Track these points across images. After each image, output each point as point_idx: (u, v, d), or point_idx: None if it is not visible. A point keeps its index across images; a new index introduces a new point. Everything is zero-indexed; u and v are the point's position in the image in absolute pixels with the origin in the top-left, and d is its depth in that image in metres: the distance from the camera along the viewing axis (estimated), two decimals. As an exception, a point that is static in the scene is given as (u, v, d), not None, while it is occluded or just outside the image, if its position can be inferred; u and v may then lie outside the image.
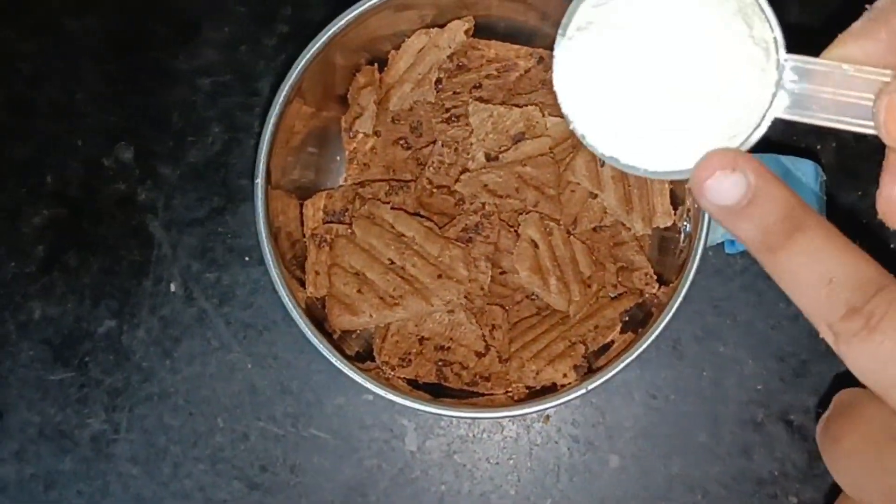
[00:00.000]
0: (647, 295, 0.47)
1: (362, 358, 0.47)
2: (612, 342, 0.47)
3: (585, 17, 0.28)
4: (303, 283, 0.47)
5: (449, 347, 0.47)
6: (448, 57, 0.48)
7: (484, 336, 0.47)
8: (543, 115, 0.47)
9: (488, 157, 0.47)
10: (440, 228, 0.46)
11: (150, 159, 0.54)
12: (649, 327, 0.43)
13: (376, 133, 0.49)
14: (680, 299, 0.42)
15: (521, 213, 0.47)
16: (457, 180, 0.47)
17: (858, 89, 0.26)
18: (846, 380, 0.30)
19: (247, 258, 0.53)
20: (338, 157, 0.51)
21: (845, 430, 0.28)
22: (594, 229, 0.48)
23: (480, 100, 0.48)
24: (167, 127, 0.54)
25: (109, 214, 0.54)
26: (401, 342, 0.46)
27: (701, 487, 0.52)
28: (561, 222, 0.47)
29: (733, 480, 0.52)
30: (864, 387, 0.26)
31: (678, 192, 0.47)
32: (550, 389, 0.46)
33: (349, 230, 0.46)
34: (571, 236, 0.47)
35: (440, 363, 0.47)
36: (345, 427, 0.52)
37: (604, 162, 0.46)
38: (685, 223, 0.46)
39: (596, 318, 0.47)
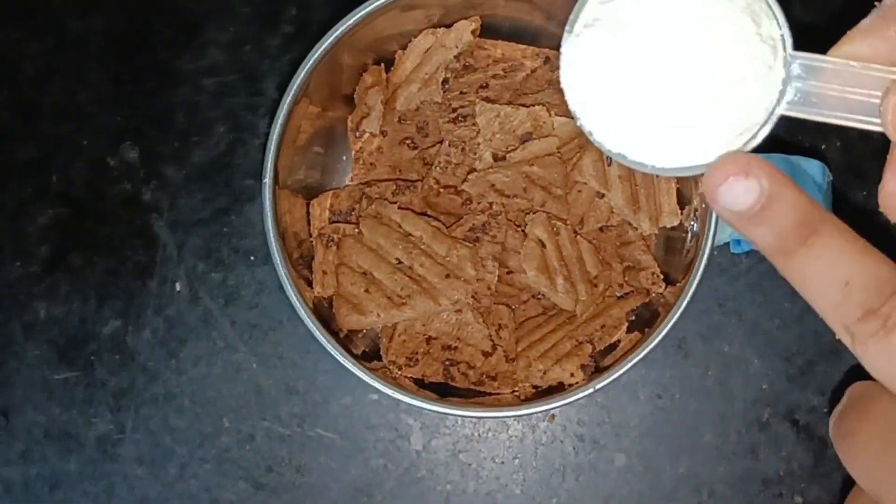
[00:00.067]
0: (653, 294, 0.47)
1: (369, 357, 0.47)
2: (619, 341, 0.47)
3: (592, 14, 0.28)
4: (309, 283, 0.47)
5: (456, 347, 0.47)
6: (455, 57, 0.48)
7: (491, 335, 0.47)
8: (550, 115, 0.47)
9: (495, 157, 0.47)
10: (447, 228, 0.46)
11: (154, 159, 0.54)
12: (657, 327, 0.43)
13: (383, 133, 0.49)
14: (687, 299, 0.42)
15: (528, 213, 0.47)
16: (464, 180, 0.47)
17: (866, 87, 0.26)
18: (853, 379, 0.30)
19: (252, 258, 0.53)
20: (344, 157, 0.51)
21: (859, 424, 0.28)
22: (601, 229, 0.48)
23: (487, 100, 0.48)
24: (172, 127, 0.54)
25: (114, 215, 0.54)
26: (408, 342, 0.46)
27: (707, 486, 0.52)
28: (568, 222, 0.47)
29: (739, 480, 0.52)
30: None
31: (685, 191, 0.47)
32: (557, 389, 0.46)
33: (356, 230, 0.46)
34: (578, 236, 0.47)
35: (447, 363, 0.47)
36: (351, 427, 0.52)
37: (611, 161, 0.47)
38: (692, 223, 0.46)
39: (603, 317, 0.47)
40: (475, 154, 0.47)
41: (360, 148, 0.49)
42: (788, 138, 0.52)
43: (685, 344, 0.52)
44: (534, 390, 0.46)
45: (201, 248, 0.53)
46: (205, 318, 0.53)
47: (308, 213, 0.48)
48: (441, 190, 0.47)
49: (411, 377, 0.47)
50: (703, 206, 0.44)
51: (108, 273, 0.53)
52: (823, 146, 0.53)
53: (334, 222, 0.48)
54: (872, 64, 0.26)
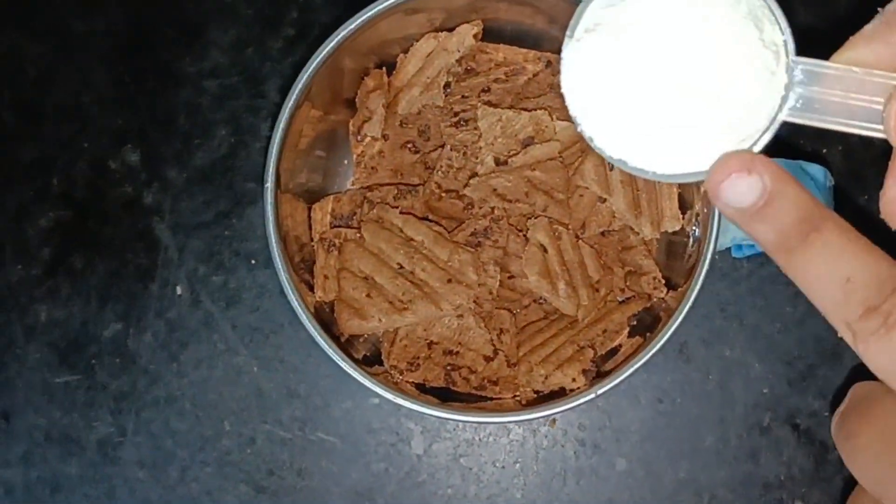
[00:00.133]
0: (655, 299, 0.47)
1: (370, 362, 0.47)
2: (620, 346, 0.47)
3: (593, 19, 0.28)
4: (311, 287, 0.47)
5: (457, 352, 0.47)
6: (457, 61, 0.47)
7: (492, 340, 0.47)
8: (552, 119, 0.47)
9: (497, 162, 0.47)
10: (449, 233, 0.46)
11: (156, 162, 0.54)
12: (658, 332, 0.43)
13: (384, 137, 0.49)
14: (689, 304, 0.42)
15: (529, 218, 0.47)
16: (466, 184, 0.47)
17: (869, 93, 0.26)
18: (853, 383, 0.30)
19: (253, 261, 0.53)
20: (345, 161, 0.51)
21: (862, 424, 0.28)
22: (602, 233, 0.48)
23: (489, 104, 0.47)
24: (173, 129, 0.54)
25: (116, 217, 0.54)
26: (409, 346, 0.46)
27: (708, 491, 0.52)
28: (570, 226, 0.47)
29: (740, 484, 0.52)
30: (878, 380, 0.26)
31: (686, 196, 0.47)
32: (559, 394, 0.46)
33: (358, 234, 0.46)
34: (580, 240, 0.47)
35: (448, 367, 0.47)
36: (352, 431, 0.52)
37: (612, 166, 0.47)
38: (694, 227, 0.46)
39: (604, 322, 0.47)
40: (477, 158, 0.47)
41: (362, 152, 0.49)
42: (790, 143, 0.52)
43: (686, 348, 0.52)
44: (535, 395, 0.46)
45: (202, 251, 0.53)
46: (206, 321, 0.53)
47: (309, 217, 0.48)
48: (443, 194, 0.47)
49: (413, 382, 0.46)
50: (705, 210, 0.44)
51: (110, 276, 0.53)
52: (825, 150, 0.53)
53: (336, 226, 0.48)
54: (875, 70, 0.26)
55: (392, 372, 0.46)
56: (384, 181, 0.49)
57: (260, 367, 0.53)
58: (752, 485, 0.52)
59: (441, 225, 0.47)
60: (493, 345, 0.47)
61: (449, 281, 0.45)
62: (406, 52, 0.48)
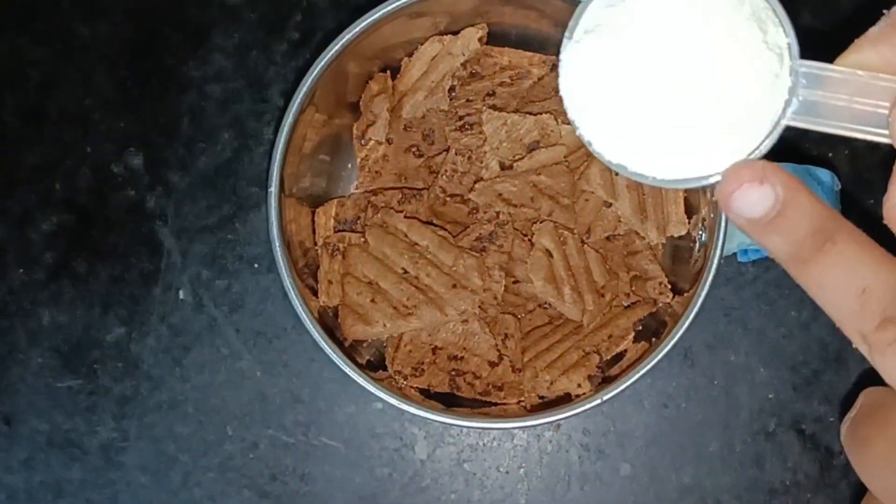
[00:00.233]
0: (660, 304, 0.47)
1: (374, 367, 0.47)
2: (625, 351, 0.47)
3: (593, 20, 0.27)
4: (314, 292, 0.46)
5: (462, 357, 0.46)
6: (461, 64, 0.47)
7: (497, 346, 0.46)
8: (558, 123, 0.47)
9: (502, 166, 0.47)
10: (454, 237, 0.46)
11: (159, 166, 0.54)
12: (664, 337, 0.43)
13: (388, 141, 0.48)
14: (696, 309, 0.42)
15: (535, 223, 0.46)
16: (471, 189, 0.47)
17: (874, 97, 0.26)
18: (859, 389, 0.30)
19: (256, 265, 0.53)
20: (349, 165, 0.50)
21: (875, 432, 0.27)
22: (608, 238, 0.48)
23: (494, 108, 0.47)
24: (177, 134, 0.54)
25: (119, 221, 0.53)
26: (414, 352, 0.46)
27: (712, 496, 0.52)
28: (575, 231, 0.47)
29: (745, 490, 0.52)
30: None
31: (692, 200, 0.47)
32: (564, 399, 0.46)
33: (362, 239, 0.46)
34: (585, 245, 0.47)
35: (453, 373, 0.46)
36: (355, 436, 0.52)
37: (618, 171, 0.47)
38: (700, 232, 0.46)
39: (609, 327, 0.47)
40: (482, 163, 0.47)
41: (366, 156, 0.49)
42: (796, 147, 0.52)
43: (691, 353, 0.52)
44: (540, 400, 0.46)
45: (206, 255, 0.53)
46: (209, 325, 0.53)
47: (313, 221, 0.48)
48: (447, 199, 0.47)
49: (417, 387, 0.46)
50: (712, 215, 0.44)
51: (113, 280, 0.53)
52: (830, 154, 0.53)
53: (340, 231, 0.48)
54: (881, 73, 0.26)
55: (396, 377, 0.46)
56: (388, 185, 0.49)
57: (263, 372, 0.52)
58: (758, 490, 0.52)
59: (446, 229, 0.47)
60: (498, 350, 0.46)
61: (454, 286, 0.45)
62: (410, 55, 0.48)
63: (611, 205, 0.47)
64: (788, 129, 0.27)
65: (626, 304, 0.48)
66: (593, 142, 0.27)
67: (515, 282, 0.47)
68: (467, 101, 0.48)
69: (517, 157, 0.47)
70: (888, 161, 0.27)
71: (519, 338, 0.47)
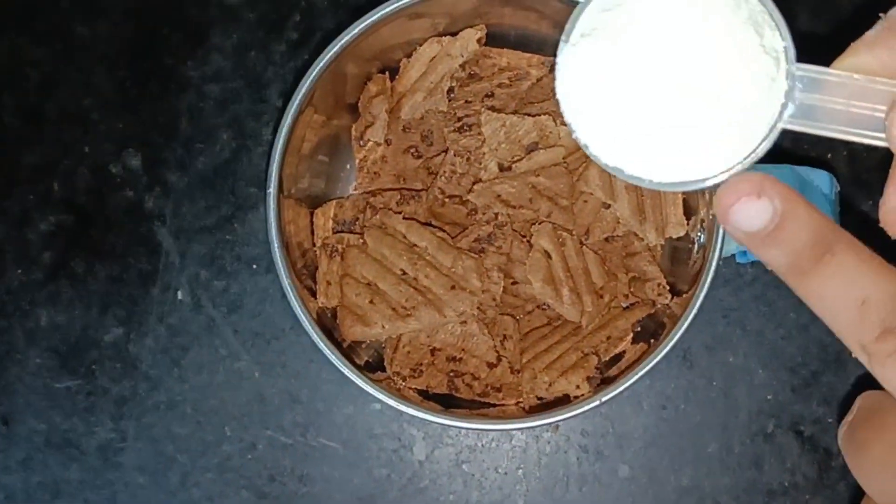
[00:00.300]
0: (659, 305, 0.47)
1: (373, 368, 0.47)
2: (624, 352, 0.47)
3: (590, 23, 0.27)
4: (313, 293, 0.46)
5: (461, 358, 0.46)
6: (460, 66, 0.47)
7: (495, 347, 0.46)
8: (556, 125, 0.47)
9: (501, 167, 0.47)
10: (452, 239, 0.46)
11: (158, 166, 0.53)
12: (663, 338, 0.43)
13: (387, 142, 0.48)
14: (694, 311, 0.42)
15: (533, 224, 0.46)
16: (469, 190, 0.46)
17: (871, 100, 0.26)
18: (858, 390, 0.30)
19: (255, 266, 0.53)
20: (348, 166, 0.50)
21: (873, 436, 0.27)
22: (607, 239, 0.48)
23: (493, 109, 0.47)
24: (176, 134, 0.54)
25: (117, 222, 0.53)
26: (412, 353, 0.46)
27: (711, 498, 0.52)
28: (574, 233, 0.47)
29: (743, 492, 0.52)
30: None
31: (691, 202, 0.47)
32: (562, 400, 0.46)
33: (361, 240, 0.46)
34: (584, 247, 0.47)
35: (452, 374, 0.46)
36: (354, 437, 0.52)
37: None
38: (699, 233, 0.46)
39: (608, 328, 0.47)
40: (480, 164, 0.47)
41: (365, 157, 0.49)
42: (794, 149, 0.52)
43: (690, 354, 0.52)
44: (538, 402, 0.46)
45: (204, 255, 0.53)
46: (207, 326, 0.53)
47: (312, 222, 0.48)
48: (446, 200, 0.47)
49: (415, 388, 0.46)
50: (710, 216, 0.44)
51: (111, 280, 0.53)
52: (829, 156, 0.53)
53: (338, 232, 0.48)
54: (877, 77, 0.26)
55: (395, 378, 0.46)
56: (387, 186, 0.49)
57: (261, 373, 0.52)
58: (756, 492, 0.52)
59: (444, 231, 0.47)
60: (497, 351, 0.46)
61: (452, 287, 0.45)
62: (409, 56, 0.48)
63: (609, 206, 0.47)
64: (786, 131, 0.27)
65: (624, 306, 0.48)
66: (590, 145, 0.27)
67: (514, 283, 0.47)
68: (466, 102, 0.48)
69: (516, 159, 0.47)
70: (887, 162, 0.27)
71: (517, 339, 0.47)
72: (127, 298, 0.53)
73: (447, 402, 0.46)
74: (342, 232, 0.48)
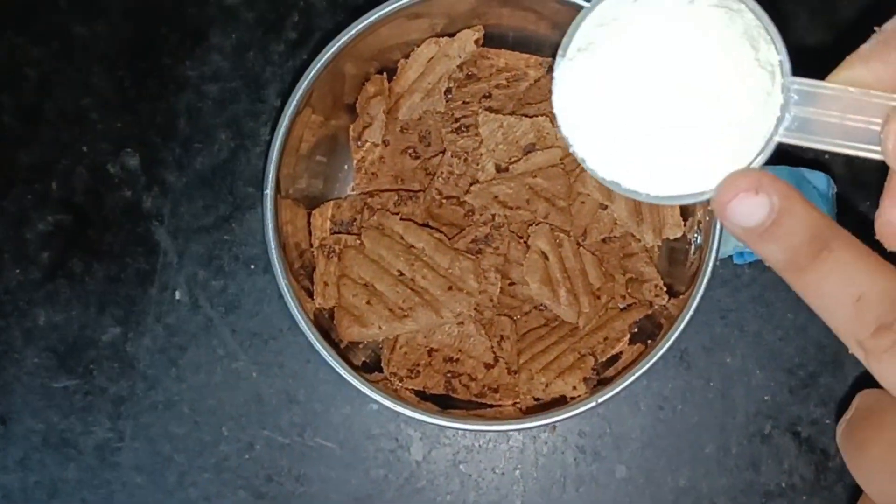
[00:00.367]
0: (656, 306, 0.47)
1: (370, 368, 0.47)
2: (621, 353, 0.47)
3: (586, 38, 0.27)
4: (310, 293, 0.46)
5: (458, 359, 0.46)
6: (458, 66, 0.47)
7: (493, 347, 0.46)
8: (553, 126, 0.47)
9: (498, 169, 0.47)
10: (449, 239, 0.46)
11: (156, 166, 0.53)
12: (660, 339, 0.43)
13: (385, 142, 0.48)
14: (691, 312, 0.42)
15: (531, 225, 0.46)
16: (467, 191, 0.46)
17: (866, 114, 0.26)
18: (855, 391, 0.30)
19: (252, 266, 0.53)
20: (346, 166, 0.50)
21: (871, 435, 0.27)
22: (604, 240, 0.48)
23: (490, 110, 0.47)
24: (174, 133, 0.54)
25: (115, 221, 0.53)
26: (409, 354, 0.46)
27: (708, 499, 0.52)
28: (571, 233, 0.47)
29: (741, 493, 0.52)
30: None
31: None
32: (559, 401, 0.46)
33: (358, 241, 0.46)
34: (581, 248, 0.47)
35: (449, 375, 0.46)
36: (351, 437, 0.52)
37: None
38: (695, 234, 0.46)
39: (605, 329, 0.47)
40: (478, 165, 0.47)
41: (362, 157, 0.49)
42: (792, 150, 0.52)
43: (687, 355, 0.52)
44: (535, 402, 0.46)
45: (202, 255, 0.53)
46: (205, 326, 0.53)
47: (309, 223, 0.48)
48: (443, 201, 0.47)
49: (412, 389, 0.46)
50: (707, 218, 0.44)
51: (109, 280, 0.53)
52: (827, 157, 0.53)
53: (336, 233, 0.48)
54: (872, 90, 0.26)
55: (392, 379, 0.46)
56: (385, 187, 0.49)
57: (259, 373, 0.52)
58: (753, 493, 0.52)
59: (442, 232, 0.47)
60: (494, 352, 0.46)
61: (449, 288, 0.45)
62: (407, 57, 0.48)
63: (607, 207, 0.47)
64: (781, 142, 0.27)
65: (621, 307, 0.48)
66: (587, 159, 0.28)
67: (511, 284, 0.47)
68: (464, 103, 0.48)
69: (513, 160, 0.47)
70: (885, 164, 0.27)
71: (515, 340, 0.47)
72: (125, 298, 0.53)
73: (444, 403, 0.46)
74: (340, 233, 0.48)
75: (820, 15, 0.54)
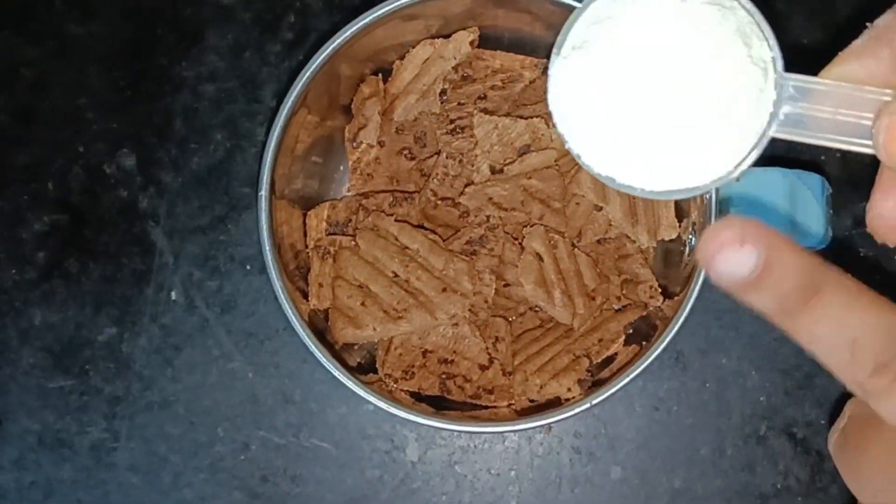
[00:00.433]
0: (651, 308, 0.47)
1: (364, 369, 0.47)
2: (616, 355, 0.47)
3: (581, 36, 0.27)
4: (305, 294, 0.46)
5: (452, 360, 0.46)
6: (453, 68, 0.47)
7: (487, 349, 0.46)
8: (549, 127, 0.47)
9: (493, 170, 0.47)
10: (444, 241, 0.46)
11: (152, 166, 0.53)
12: (655, 340, 0.43)
13: (380, 143, 0.48)
14: (686, 313, 0.42)
15: (525, 226, 0.46)
16: (461, 193, 0.47)
17: (858, 109, 0.26)
18: (851, 394, 0.30)
19: (248, 267, 0.53)
20: (342, 167, 0.50)
21: (868, 441, 0.27)
22: (599, 242, 0.48)
23: (485, 111, 0.47)
24: (170, 134, 0.54)
25: (111, 222, 0.53)
26: (404, 355, 0.46)
27: (703, 500, 0.52)
28: (566, 235, 0.47)
29: (736, 494, 0.52)
30: None
31: (683, 204, 0.47)
32: (554, 402, 0.46)
33: (353, 242, 0.46)
34: (576, 249, 0.47)
35: (443, 376, 0.46)
36: (346, 437, 0.52)
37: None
38: (690, 235, 0.46)
39: (600, 331, 0.47)
40: (473, 166, 0.47)
41: (358, 158, 0.49)
42: (787, 151, 0.52)
43: (683, 357, 0.52)
44: (530, 403, 0.46)
45: (198, 255, 0.53)
46: (201, 326, 0.53)
47: (305, 223, 0.48)
48: (438, 202, 0.47)
49: (407, 390, 0.46)
50: (702, 219, 0.44)
51: (104, 280, 0.53)
52: (822, 157, 0.53)
53: (331, 234, 0.48)
54: (864, 86, 0.26)
55: (387, 380, 0.46)
56: (380, 188, 0.49)
57: (254, 373, 0.52)
58: (748, 494, 0.52)
59: (436, 233, 0.47)
60: (489, 353, 0.46)
61: (444, 290, 0.45)
62: (402, 58, 0.48)
63: (601, 208, 0.47)
64: (776, 137, 0.27)
65: (616, 308, 0.48)
66: (582, 155, 0.28)
67: (506, 285, 0.47)
68: (459, 104, 0.48)
69: (508, 161, 0.47)
70: (875, 159, 0.27)
71: (509, 341, 0.47)
72: (120, 298, 0.53)
73: (439, 404, 0.46)
74: (335, 234, 0.48)
75: (819, 15, 0.54)
